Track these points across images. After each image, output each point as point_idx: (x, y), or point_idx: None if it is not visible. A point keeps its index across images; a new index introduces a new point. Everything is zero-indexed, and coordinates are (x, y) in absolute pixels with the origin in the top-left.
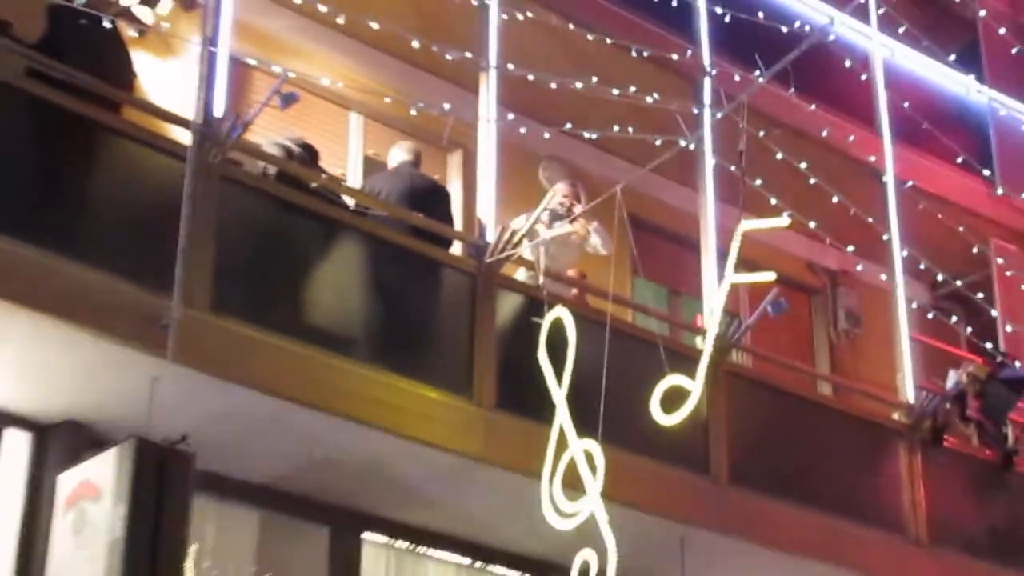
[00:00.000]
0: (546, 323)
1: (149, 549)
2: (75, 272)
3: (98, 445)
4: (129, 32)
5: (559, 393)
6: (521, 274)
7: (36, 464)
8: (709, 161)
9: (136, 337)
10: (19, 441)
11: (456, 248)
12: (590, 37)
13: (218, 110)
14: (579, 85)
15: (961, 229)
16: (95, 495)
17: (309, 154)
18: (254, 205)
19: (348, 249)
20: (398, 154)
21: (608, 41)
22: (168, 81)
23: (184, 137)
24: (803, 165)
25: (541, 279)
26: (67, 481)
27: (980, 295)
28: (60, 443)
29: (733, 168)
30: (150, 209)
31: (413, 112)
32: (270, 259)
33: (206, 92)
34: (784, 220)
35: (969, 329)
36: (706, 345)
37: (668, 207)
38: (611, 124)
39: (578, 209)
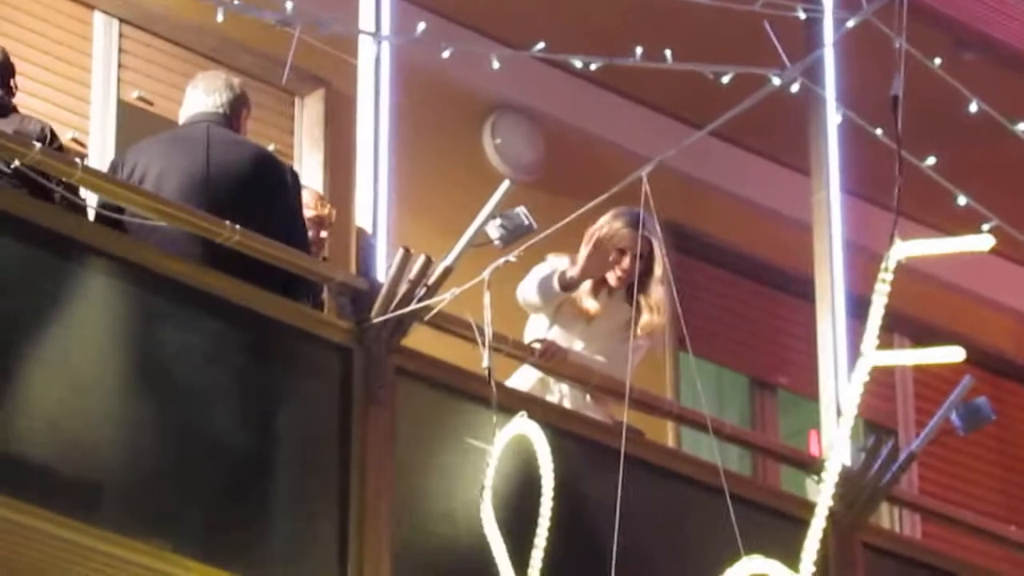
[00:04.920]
0: (497, 447)
1: None
2: None
3: None
4: None
5: None
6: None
7: None
8: (832, 116)
9: None
10: None
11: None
12: None
13: None
14: None
15: None
16: None
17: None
18: None
19: (85, 295)
20: (196, 98)
21: None
22: None
23: None
24: (1021, 126)
25: (486, 357)
26: None
27: None
28: None
29: (879, 132)
30: None
31: (220, 17)
32: None
33: None
34: (986, 239)
35: None
36: (824, 492)
37: (744, 208)
38: (629, 43)
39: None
